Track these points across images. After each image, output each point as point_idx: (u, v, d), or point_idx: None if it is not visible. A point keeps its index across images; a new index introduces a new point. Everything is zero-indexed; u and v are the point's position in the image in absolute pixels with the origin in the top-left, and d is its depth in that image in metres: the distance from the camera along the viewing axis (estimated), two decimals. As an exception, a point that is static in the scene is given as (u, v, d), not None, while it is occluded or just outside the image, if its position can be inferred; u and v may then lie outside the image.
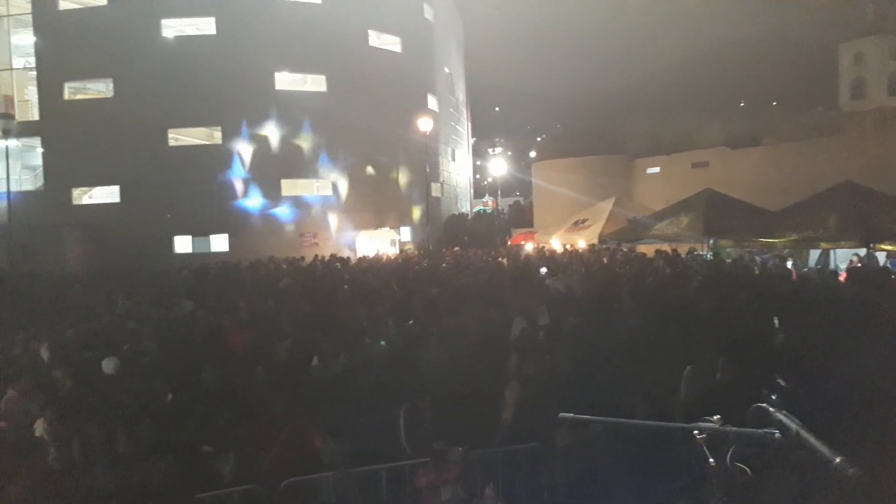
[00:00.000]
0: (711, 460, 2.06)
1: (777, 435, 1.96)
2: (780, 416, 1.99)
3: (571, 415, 2.43)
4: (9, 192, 22.11)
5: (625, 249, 20.20)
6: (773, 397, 2.12)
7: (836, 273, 13.96)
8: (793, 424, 1.94)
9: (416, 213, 35.70)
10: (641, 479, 4.91)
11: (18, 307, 13.40)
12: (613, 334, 8.50)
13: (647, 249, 19.48)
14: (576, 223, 23.47)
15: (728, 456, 2.05)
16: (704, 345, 7.37)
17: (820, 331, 7.59)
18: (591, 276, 14.50)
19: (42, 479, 4.94)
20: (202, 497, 5.01)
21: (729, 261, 16.93)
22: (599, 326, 8.83)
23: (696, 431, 2.08)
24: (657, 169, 30.69)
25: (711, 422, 2.09)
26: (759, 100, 37.18)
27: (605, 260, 18.15)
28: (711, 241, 17.51)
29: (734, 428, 2.07)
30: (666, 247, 18.92)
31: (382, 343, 8.47)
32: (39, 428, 5.60)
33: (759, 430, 2.01)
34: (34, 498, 4.71)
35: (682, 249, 18.83)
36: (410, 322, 9.44)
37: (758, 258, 17.42)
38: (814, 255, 17.22)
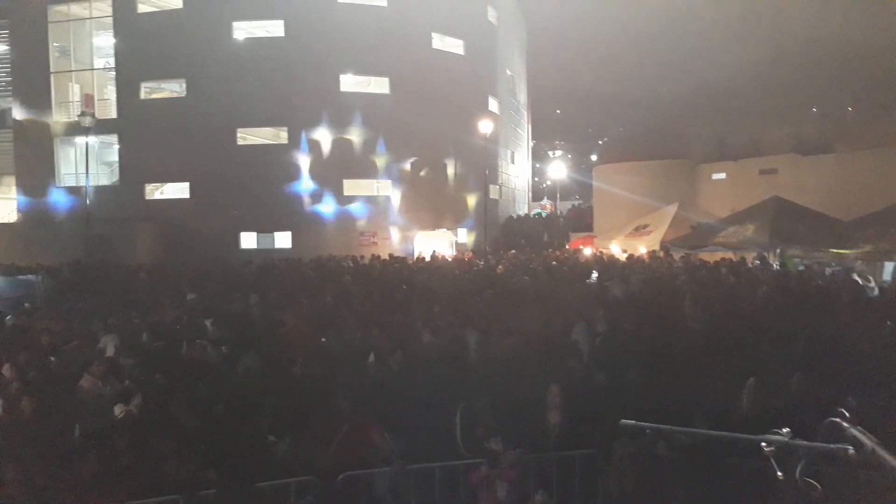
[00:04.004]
0: (780, 474, 2.00)
1: (851, 451, 1.89)
2: (854, 431, 1.91)
3: (633, 422, 2.41)
4: (88, 186, 23.26)
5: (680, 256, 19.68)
6: (846, 413, 2.05)
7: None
8: (868, 441, 1.86)
9: (474, 214, 35.72)
10: (700, 491, 4.81)
11: (93, 296, 14.06)
12: (674, 342, 8.33)
13: (710, 257, 18.97)
14: (637, 228, 23.07)
15: (798, 470, 1.99)
16: (769, 356, 7.16)
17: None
18: (652, 282, 14.23)
19: (115, 461, 5.20)
20: (262, 486, 5.17)
21: (799, 269, 16.32)
22: (660, 334, 8.67)
23: (763, 444, 2.03)
24: (723, 175, 29.82)
25: (780, 434, 2.03)
26: (832, 105, 35.53)
27: (667, 266, 17.75)
28: (778, 251, 16.94)
29: (805, 442, 2.01)
30: (730, 255, 18.40)
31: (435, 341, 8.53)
32: (117, 410, 5.86)
33: (832, 445, 1.94)
34: (109, 478, 4.95)
35: (748, 258, 18.25)
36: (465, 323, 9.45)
37: (827, 270, 16.74)
38: (888, 267, 16.43)
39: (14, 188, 35.02)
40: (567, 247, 29.95)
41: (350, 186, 31.89)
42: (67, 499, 4.66)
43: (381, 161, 31.87)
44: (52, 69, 32.94)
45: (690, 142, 32.50)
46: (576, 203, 56.10)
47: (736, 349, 7.63)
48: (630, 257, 20.52)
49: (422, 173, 33.11)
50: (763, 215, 17.66)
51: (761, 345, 7.55)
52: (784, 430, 2.04)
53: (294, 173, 30.87)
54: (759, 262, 17.40)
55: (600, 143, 62.27)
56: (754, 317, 9.68)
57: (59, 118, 33.01)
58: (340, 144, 31.22)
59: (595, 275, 16.12)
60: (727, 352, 7.56)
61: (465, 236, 35.14)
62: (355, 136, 31.32)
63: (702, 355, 7.51)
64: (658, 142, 33.08)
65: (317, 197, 31.13)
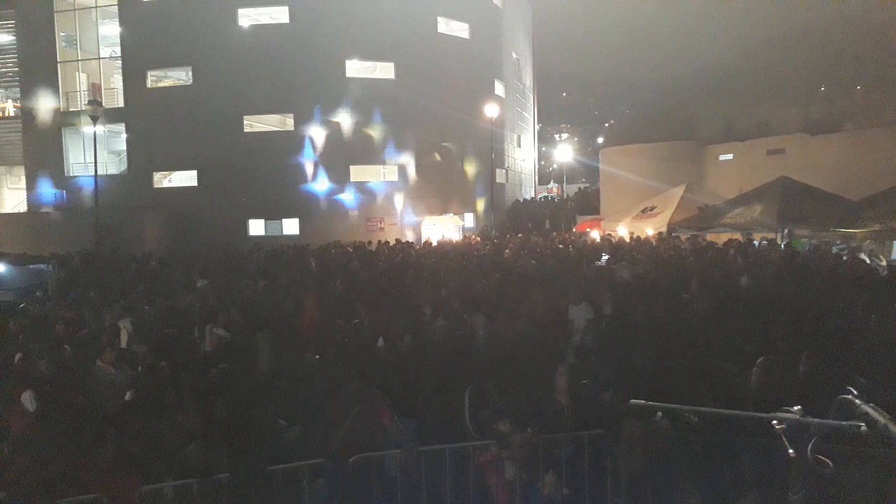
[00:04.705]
0: (791, 451, 2.01)
1: (863, 428, 1.89)
2: (867, 408, 1.91)
3: (643, 401, 2.42)
4: (96, 175, 23.33)
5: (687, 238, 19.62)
6: (855, 392, 2.04)
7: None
8: (881, 417, 1.86)
9: (481, 199, 35.66)
10: (708, 470, 4.84)
11: (104, 284, 14.16)
12: (681, 323, 8.34)
13: (718, 238, 18.90)
14: (644, 210, 22.97)
15: (809, 448, 2.00)
16: (778, 336, 7.15)
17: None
18: (659, 264, 14.20)
19: (129, 445, 5.27)
20: (274, 469, 5.22)
21: (806, 249, 16.25)
22: (667, 315, 8.67)
23: (774, 421, 2.04)
24: (730, 156, 29.63)
25: (792, 412, 2.04)
26: (841, 83, 35.15)
27: (675, 248, 17.70)
28: (786, 231, 16.86)
29: (816, 419, 2.01)
30: (738, 236, 18.33)
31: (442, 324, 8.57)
32: (128, 395, 5.92)
33: (844, 423, 1.95)
34: (125, 463, 5.03)
35: (755, 239, 18.18)
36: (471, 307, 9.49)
37: (834, 248, 16.65)
38: (897, 246, 16.34)
39: (23, 178, 35.20)
40: (574, 230, 29.88)
41: (357, 172, 31.90)
42: (84, 483, 4.72)
43: (387, 146, 31.81)
44: (58, 59, 32.99)
45: (697, 123, 32.30)
46: (582, 186, 55.90)
47: (744, 330, 7.63)
48: (637, 239, 20.46)
49: (428, 158, 33.05)
50: (771, 196, 17.55)
51: (769, 325, 7.54)
52: (795, 409, 2.04)
53: (301, 160, 30.88)
54: (766, 242, 17.33)
55: (606, 125, 62.00)
56: (762, 297, 9.67)
57: (66, 108, 33.05)
58: (347, 130, 31.18)
59: (605, 257, 16.08)
60: (735, 332, 7.57)
61: (471, 221, 35.13)
62: (361, 121, 31.27)
63: (709, 336, 7.52)
64: (665, 123, 32.92)
65: (323, 183, 31.15)
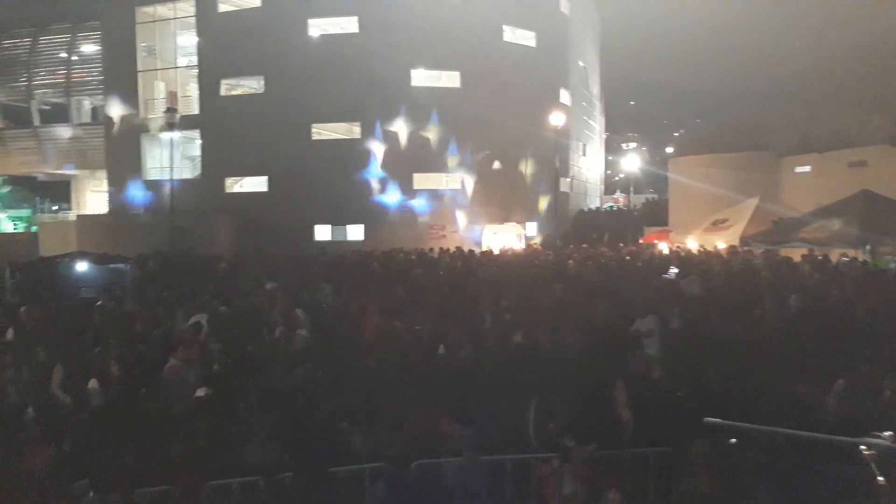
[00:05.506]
0: (881, 478, 1.89)
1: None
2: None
3: (718, 420, 2.34)
4: (172, 179, 24.32)
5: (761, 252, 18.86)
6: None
7: None
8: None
9: (544, 208, 35.36)
10: (781, 495, 4.62)
11: (176, 284, 14.68)
12: (754, 341, 8.03)
13: (793, 254, 18.13)
14: (715, 223, 22.30)
15: (901, 476, 1.88)
16: (859, 357, 6.81)
17: None
18: (732, 278, 13.74)
19: (198, 442, 5.44)
20: (336, 471, 5.29)
21: (890, 267, 15.39)
22: (739, 332, 8.37)
23: (863, 447, 1.92)
24: (807, 168, 28.37)
25: (882, 437, 1.92)
26: (931, 92, 33.21)
27: (747, 262, 17.07)
28: (868, 247, 16.04)
29: (912, 447, 1.88)
30: (815, 251, 17.54)
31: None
32: (201, 393, 6.11)
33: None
34: (194, 459, 5.19)
35: (834, 256, 17.34)
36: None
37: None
38: None
39: (105, 182, 37.09)
40: (641, 241, 29.24)
41: (420, 180, 32.18)
42: (156, 477, 4.90)
43: (451, 154, 31.98)
44: (139, 68, 34.66)
45: (772, 133, 31.07)
46: (650, 196, 54.67)
47: (821, 349, 7.29)
48: (707, 252, 19.84)
49: (492, 167, 33.03)
50: (851, 210, 16.77)
51: (849, 345, 7.17)
52: (886, 434, 1.92)
53: (366, 167, 31.39)
54: (846, 258, 16.53)
55: (676, 135, 60.54)
56: (841, 316, 9.21)
57: (145, 115, 34.65)
58: (411, 138, 31.53)
59: (674, 270, 15.65)
60: (811, 352, 7.24)
61: (534, 230, 34.87)
62: (426, 129, 31.57)
63: (783, 355, 7.22)
64: (737, 134, 31.80)
65: (387, 190, 31.56)
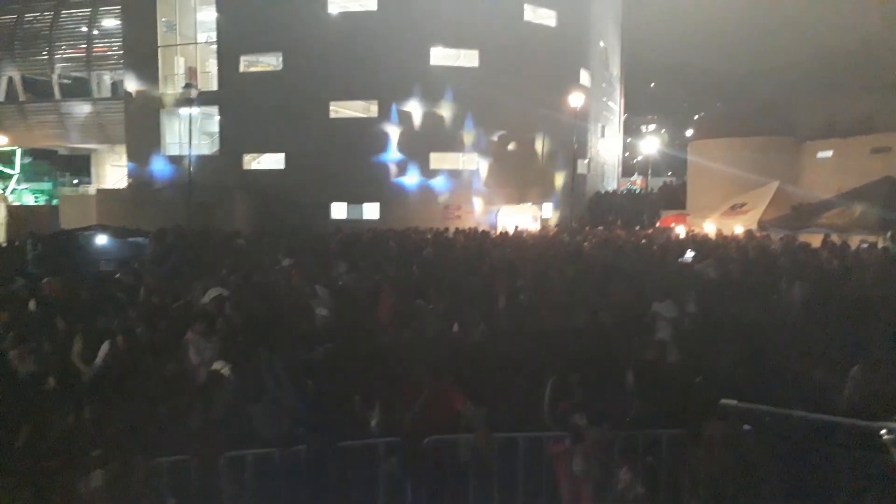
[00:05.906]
0: (899, 462, 1.88)
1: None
2: None
3: (734, 402, 2.33)
4: (190, 155, 24.38)
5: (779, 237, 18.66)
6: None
7: None
8: None
9: (560, 189, 35.13)
10: (794, 479, 4.61)
11: (193, 259, 14.82)
12: (770, 325, 7.98)
13: (812, 240, 17.92)
14: (733, 207, 22.10)
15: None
16: (876, 343, 6.75)
17: None
18: (749, 263, 13.62)
19: (213, 414, 5.52)
20: (349, 445, 5.36)
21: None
22: (756, 316, 8.32)
23: (883, 431, 1.90)
24: (829, 153, 27.88)
25: (901, 421, 1.90)
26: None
27: (764, 247, 16.91)
28: (889, 234, 15.83)
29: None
30: (834, 237, 17.34)
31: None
32: (218, 366, 6.18)
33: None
34: (210, 430, 5.27)
35: (853, 242, 17.12)
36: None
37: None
38: None
39: (124, 156, 37.34)
40: (657, 224, 29.02)
41: (436, 159, 32.07)
42: (174, 448, 4.98)
43: (468, 134, 31.81)
44: (159, 43, 34.64)
45: (794, 118, 30.54)
46: (668, 179, 54.08)
47: (838, 335, 7.24)
48: (724, 237, 19.66)
49: (509, 147, 32.82)
50: (873, 196, 16.55)
51: (867, 331, 7.11)
52: (906, 418, 1.91)
53: (383, 146, 31.33)
54: (866, 245, 16.33)
55: (696, 118, 59.68)
56: (859, 302, 9.12)
57: (165, 90, 34.74)
58: (428, 117, 31.37)
59: (691, 253, 15.53)
60: (828, 338, 7.18)
61: (550, 211, 34.70)
62: (443, 109, 31.38)
63: (799, 340, 7.17)
64: (759, 118, 31.32)
65: (404, 169, 31.53)
